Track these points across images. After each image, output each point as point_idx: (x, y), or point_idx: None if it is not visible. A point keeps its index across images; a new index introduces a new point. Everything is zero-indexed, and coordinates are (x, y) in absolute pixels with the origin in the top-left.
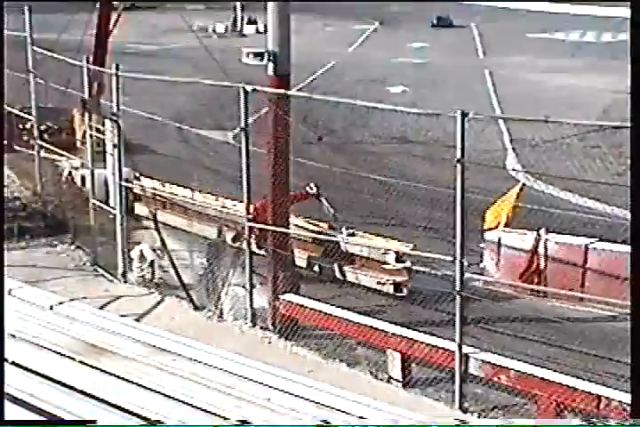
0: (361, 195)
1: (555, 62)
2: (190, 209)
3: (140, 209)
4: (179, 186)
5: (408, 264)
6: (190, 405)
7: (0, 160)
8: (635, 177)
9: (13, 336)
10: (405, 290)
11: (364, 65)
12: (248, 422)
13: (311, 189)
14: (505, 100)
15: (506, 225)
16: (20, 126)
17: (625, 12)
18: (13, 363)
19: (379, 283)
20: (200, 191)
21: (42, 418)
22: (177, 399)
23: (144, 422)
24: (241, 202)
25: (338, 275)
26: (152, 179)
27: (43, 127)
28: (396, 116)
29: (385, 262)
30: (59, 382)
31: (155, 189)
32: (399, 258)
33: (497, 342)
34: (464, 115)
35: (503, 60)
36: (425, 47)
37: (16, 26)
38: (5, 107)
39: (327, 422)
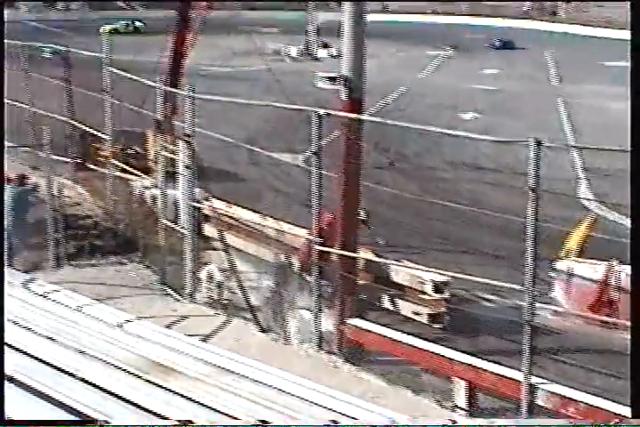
0: (431, 221)
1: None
2: (253, 232)
3: (208, 230)
4: (244, 208)
5: (446, 295)
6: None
7: (0, 164)
8: (634, 187)
9: (82, 352)
10: (443, 321)
11: (436, 90)
12: (267, 422)
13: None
14: (579, 129)
15: (578, 255)
16: (96, 145)
17: None
18: (82, 379)
19: (415, 313)
20: (263, 214)
21: None
22: (236, 418)
23: None
24: (301, 227)
25: (386, 303)
26: (220, 200)
27: (130, 151)
28: (467, 143)
29: (424, 292)
30: (124, 400)
31: (221, 210)
32: (438, 288)
33: (565, 374)
34: (538, 143)
35: (578, 88)
36: (498, 74)
37: (93, 47)
38: (80, 125)
39: (335, 422)
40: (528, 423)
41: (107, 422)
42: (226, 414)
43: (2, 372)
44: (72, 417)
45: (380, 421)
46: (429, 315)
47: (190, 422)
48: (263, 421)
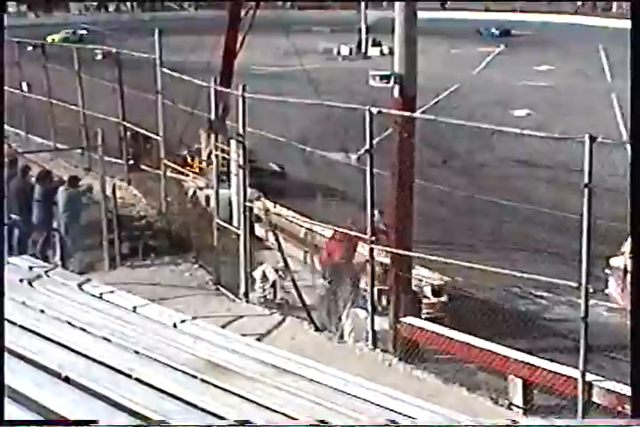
0: (484, 219)
1: None
2: (291, 232)
3: (259, 230)
4: (288, 209)
5: (444, 299)
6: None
7: (0, 163)
8: (634, 178)
9: (137, 353)
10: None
11: (488, 87)
12: (325, 422)
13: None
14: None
15: None
16: (149, 146)
17: None
18: (137, 379)
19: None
20: (302, 214)
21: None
22: (294, 418)
23: None
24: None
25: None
26: (269, 200)
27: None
28: (520, 140)
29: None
30: (181, 400)
31: (268, 210)
32: (436, 291)
33: (622, 371)
34: (592, 139)
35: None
36: (551, 70)
37: (144, 47)
38: (132, 126)
39: (394, 422)
40: (589, 424)
41: (164, 422)
42: (283, 414)
43: (2, 372)
44: (127, 417)
45: (440, 421)
46: (427, 319)
47: (248, 422)
48: (322, 421)
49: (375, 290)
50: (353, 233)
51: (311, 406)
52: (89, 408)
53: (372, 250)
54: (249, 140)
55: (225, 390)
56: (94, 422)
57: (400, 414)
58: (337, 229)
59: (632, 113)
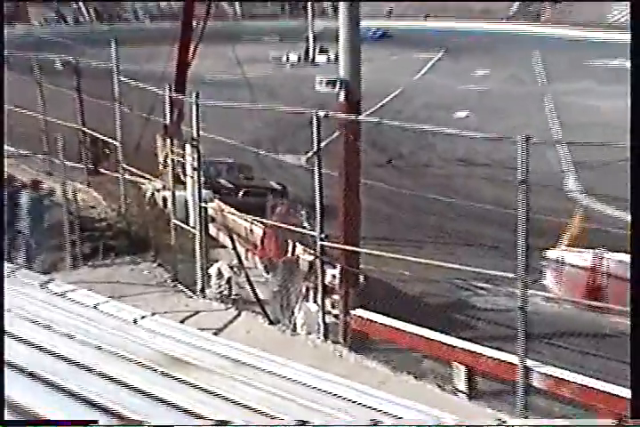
0: (429, 216)
1: (614, 88)
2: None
3: (212, 229)
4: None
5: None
6: (266, 415)
7: (0, 167)
8: (634, 179)
9: (100, 348)
10: None
11: (429, 92)
12: (305, 422)
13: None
14: (565, 125)
15: (569, 244)
16: (107, 151)
17: None
18: (100, 374)
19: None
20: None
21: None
22: (255, 409)
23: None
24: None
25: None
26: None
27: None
28: (461, 141)
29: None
30: (143, 393)
31: (223, 210)
32: None
33: (559, 357)
34: (527, 139)
35: (564, 87)
36: (488, 75)
37: (102, 58)
38: (91, 132)
39: (376, 422)
40: (578, 423)
41: (142, 423)
42: (240, 404)
43: (2, 372)
44: (87, 409)
45: (424, 420)
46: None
47: (225, 422)
48: (301, 421)
49: (305, 287)
50: (287, 228)
51: (262, 395)
52: (54, 403)
53: (322, 247)
54: (204, 145)
55: (184, 382)
56: (94, 422)
57: (352, 402)
58: (273, 224)
59: (632, 112)
